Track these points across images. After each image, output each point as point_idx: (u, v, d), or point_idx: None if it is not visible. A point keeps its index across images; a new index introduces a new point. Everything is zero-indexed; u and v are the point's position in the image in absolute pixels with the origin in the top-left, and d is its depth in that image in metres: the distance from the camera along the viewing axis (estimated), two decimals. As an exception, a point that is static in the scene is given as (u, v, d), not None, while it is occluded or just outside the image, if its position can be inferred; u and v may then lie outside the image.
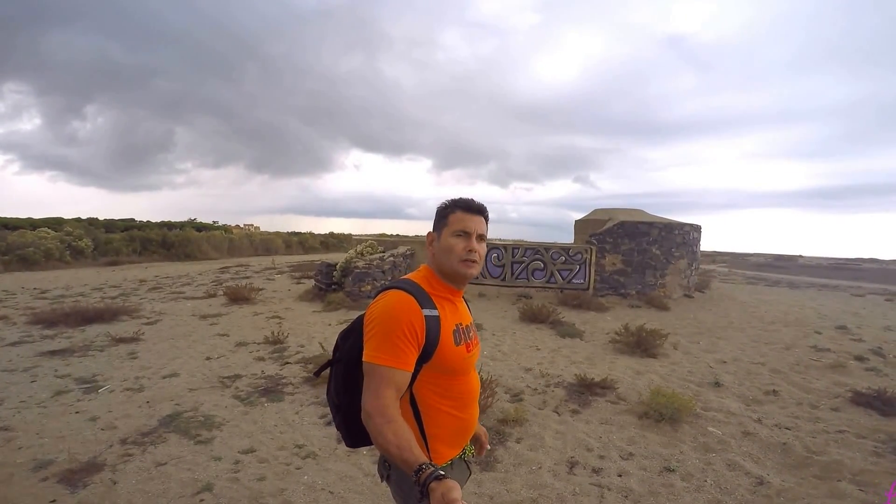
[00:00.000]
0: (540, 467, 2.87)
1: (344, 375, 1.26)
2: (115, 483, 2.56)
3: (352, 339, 1.26)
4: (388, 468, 1.25)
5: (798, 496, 2.56)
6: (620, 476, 2.79)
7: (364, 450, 2.89)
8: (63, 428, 3.20)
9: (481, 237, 1.27)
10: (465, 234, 1.24)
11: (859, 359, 5.41)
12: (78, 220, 25.84)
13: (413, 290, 1.18)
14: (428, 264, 1.32)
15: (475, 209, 1.27)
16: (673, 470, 2.85)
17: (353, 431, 1.25)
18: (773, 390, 4.30)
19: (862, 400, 3.93)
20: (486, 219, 1.29)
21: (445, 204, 1.29)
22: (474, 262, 1.25)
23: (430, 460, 1.20)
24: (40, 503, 2.38)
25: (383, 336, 1.11)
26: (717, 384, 4.45)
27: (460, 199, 1.29)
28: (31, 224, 21.98)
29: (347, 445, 1.31)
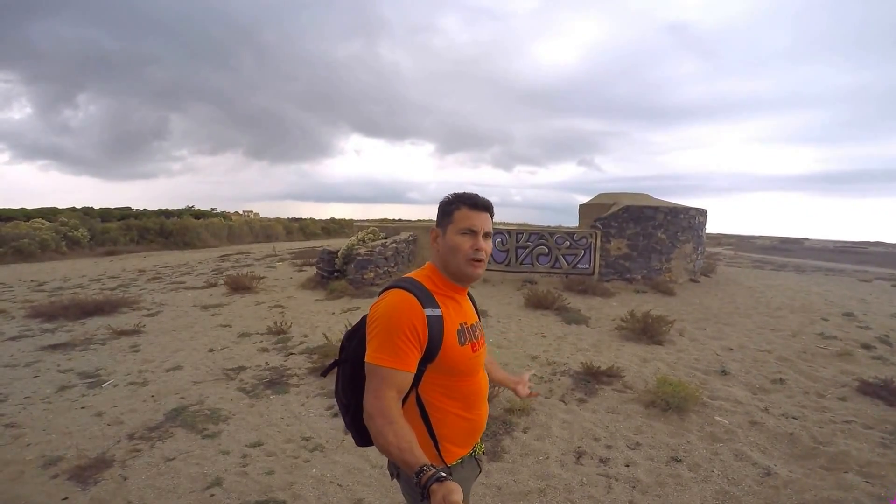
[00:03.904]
0: (547, 457, 2.88)
1: (351, 376, 1.25)
2: (125, 479, 2.57)
3: (357, 340, 1.25)
4: (398, 465, 1.24)
5: (805, 487, 2.56)
6: (628, 466, 2.80)
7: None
8: (69, 424, 3.20)
9: (487, 235, 1.24)
10: (472, 233, 1.22)
11: (866, 347, 5.38)
12: (73, 209, 25.70)
13: (415, 289, 1.17)
14: (432, 261, 1.30)
15: (481, 206, 1.24)
16: (680, 460, 2.85)
17: (364, 431, 1.23)
18: (780, 379, 4.28)
19: (869, 389, 3.91)
20: (492, 214, 1.27)
21: (449, 199, 1.26)
22: (481, 261, 1.23)
23: (442, 459, 1.21)
24: (53, 500, 2.38)
25: (385, 336, 1.10)
26: (724, 372, 4.44)
27: (465, 194, 1.26)
28: (25, 215, 21.84)
29: (358, 444, 1.30)
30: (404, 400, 1.16)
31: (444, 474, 0.93)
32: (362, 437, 1.27)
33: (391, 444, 1.01)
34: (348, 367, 1.26)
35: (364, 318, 1.23)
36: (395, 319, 1.11)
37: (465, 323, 1.26)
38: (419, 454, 0.99)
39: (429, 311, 1.14)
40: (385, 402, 1.06)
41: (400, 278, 1.24)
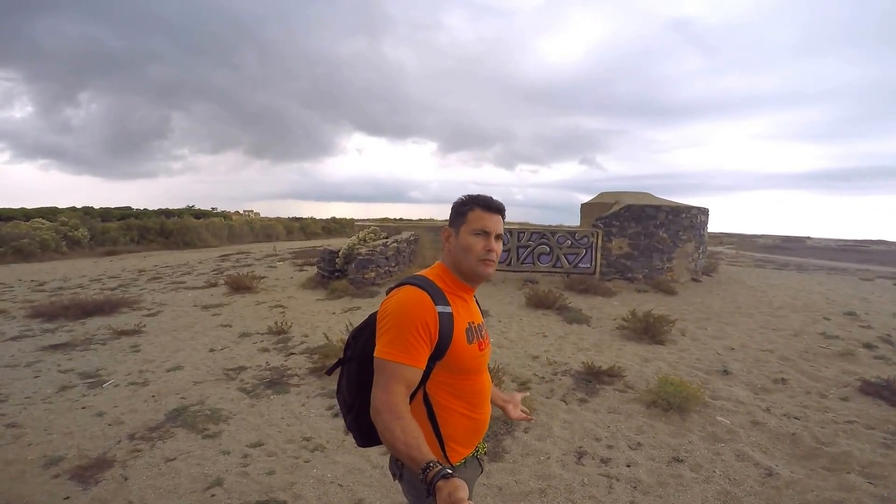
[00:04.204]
0: (548, 457, 2.87)
1: (356, 374, 1.25)
2: (126, 479, 2.57)
3: (364, 338, 1.25)
4: (401, 467, 1.24)
5: (807, 488, 2.55)
6: (629, 466, 2.79)
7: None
8: (70, 424, 3.20)
9: (499, 236, 1.26)
10: (485, 234, 1.24)
11: (868, 346, 5.36)
12: (73, 209, 25.67)
13: (427, 286, 1.18)
14: (443, 261, 1.31)
15: (494, 208, 1.26)
16: (682, 460, 2.85)
17: (366, 431, 1.24)
18: (782, 378, 4.27)
19: (871, 389, 3.90)
20: (504, 217, 1.29)
21: (464, 200, 1.28)
22: (492, 261, 1.25)
23: (447, 459, 1.21)
24: (54, 500, 2.38)
25: (396, 332, 1.10)
26: (726, 372, 4.43)
27: (479, 196, 1.28)
28: (25, 214, 21.77)
29: (359, 445, 1.30)
30: (412, 398, 1.16)
31: (449, 471, 0.92)
32: (364, 437, 1.27)
33: (398, 439, 1.00)
34: (354, 366, 1.26)
35: (371, 317, 1.24)
36: (407, 315, 1.11)
37: (473, 322, 1.26)
38: (426, 451, 0.98)
39: (440, 308, 1.15)
40: (393, 398, 1.05)
41: (411, 275, 1.25)
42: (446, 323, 1.15)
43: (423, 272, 1.28)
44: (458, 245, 1.24)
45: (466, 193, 1.30)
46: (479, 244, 1.22)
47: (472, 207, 1.25)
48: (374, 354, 1.12)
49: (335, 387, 1.35)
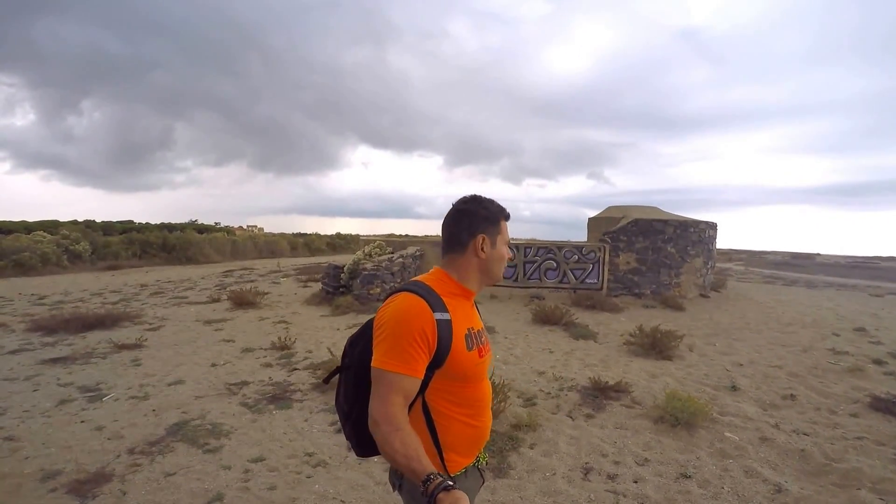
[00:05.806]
0: (554, 473, 2.82)
1: (354, 382, 1.22)
2: (124, 494, 2.53)
3: (361, 345, 1.22)
4: (401, 477, 1.22)
5: (817, 505, 2.50)
6: (636, 482, 2.74)
7: (375, 458, 2.86)
8: (69, 437, 3.18)
9: None
10: (507, 244, 1.32)
11: (878, 362, 5.30)
12: (74, 222, 25.80)
13: (424, 293, 1.15)
14: (444, 267, 1.26)
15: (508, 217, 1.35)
16: (689, 476, 2.80)
17: (363, 440, 1.21)
18: (791, 394, 4.21)
19: (881, 405, 3.83)
20: None
21: (493, 208, 1.28)
22: None
23: (445, 470, 1.18)
24: (50, 514, 2.35)
25: (393, 341, 1.08)
26: (734, 388, 4.37)
27: (498, 204, 1.31)
28: (26, 227, 21.76)
29: (357, 455, 1.28)
30: (410, 407, 1.14)
31: (450, 483, 0.91)
32: (362, 446, 1.24)
33: (397, 451, 0.99)
34: (352, 374, 1.23)
35: (367, 323, 1.22)
36: (404, 323, 1.09)
37: (472, 328, 1.24)
38: (426, 462, 0.97)
39: (438, 315, 1.12)
40: (392, 409, 1.04)
41: (408, 282, 1.22)
42: (445, 330, 1.12)
43: (420, 277, 1.25)
44: (496, 255, 1.26)
45: (482, 196, 1.28)
46: (508, 255, 1.31)
47: (501, 218, 1.29)
48: (372, 364, 1.09)
49: (335, 394, 1.33)
